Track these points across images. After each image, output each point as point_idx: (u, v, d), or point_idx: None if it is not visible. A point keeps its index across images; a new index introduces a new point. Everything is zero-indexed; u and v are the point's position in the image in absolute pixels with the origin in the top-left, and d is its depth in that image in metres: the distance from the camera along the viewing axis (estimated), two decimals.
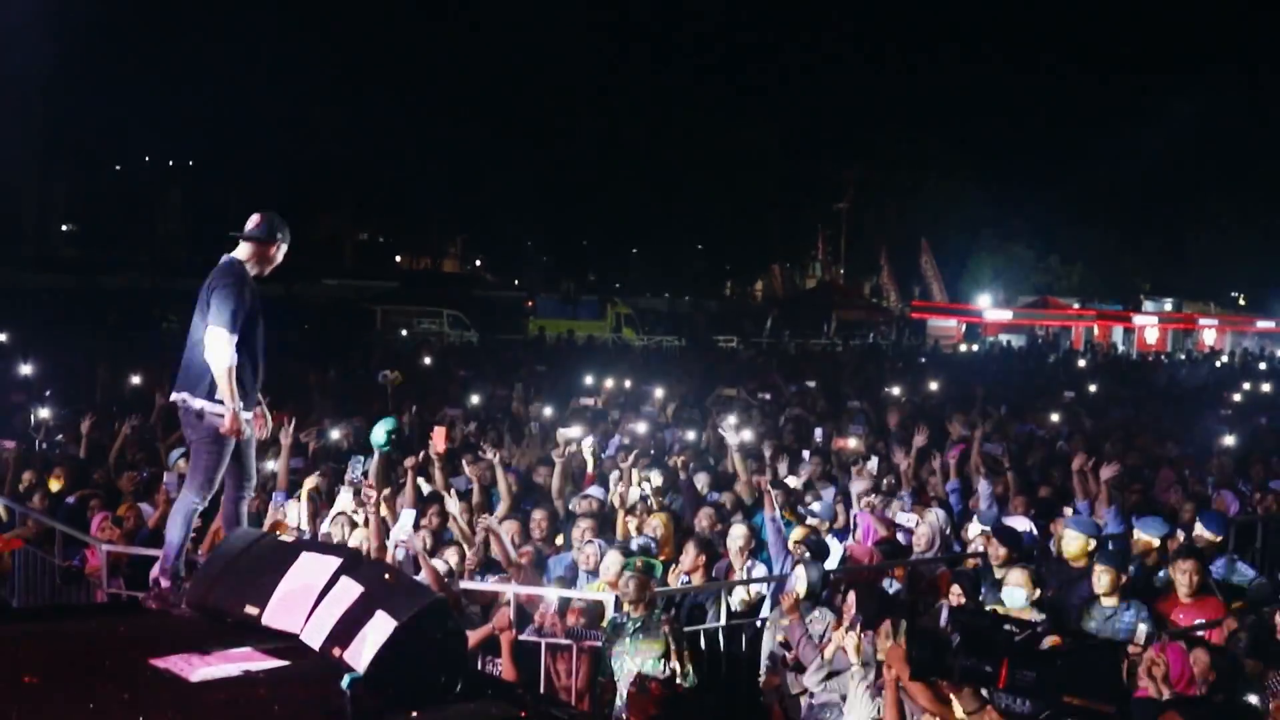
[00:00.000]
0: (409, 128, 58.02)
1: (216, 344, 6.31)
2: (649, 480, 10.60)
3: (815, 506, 10.51)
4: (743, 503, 10.52)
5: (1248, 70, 66.31)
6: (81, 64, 48.71)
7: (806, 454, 12.79)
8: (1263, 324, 60.29)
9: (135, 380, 17.53)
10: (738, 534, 8.84)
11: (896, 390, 20.92)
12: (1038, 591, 7.44)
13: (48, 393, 15.97)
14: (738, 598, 8.52)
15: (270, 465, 10.20)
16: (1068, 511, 9.85)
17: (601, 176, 61.27)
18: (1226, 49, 72.60)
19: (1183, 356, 46.22)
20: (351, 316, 43.75)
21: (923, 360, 36.51)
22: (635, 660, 6.96)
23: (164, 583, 6.23)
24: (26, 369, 17.94)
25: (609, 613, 7.41)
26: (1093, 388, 24.78)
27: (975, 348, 48.32)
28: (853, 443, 13.24)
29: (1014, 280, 66.78)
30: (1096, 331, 56.18)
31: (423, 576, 7.61)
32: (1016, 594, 7.36)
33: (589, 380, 19.95)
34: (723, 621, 8.17)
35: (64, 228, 69.78)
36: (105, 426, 13.11)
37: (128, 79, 51.06)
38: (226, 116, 52.89)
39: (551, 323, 46.72)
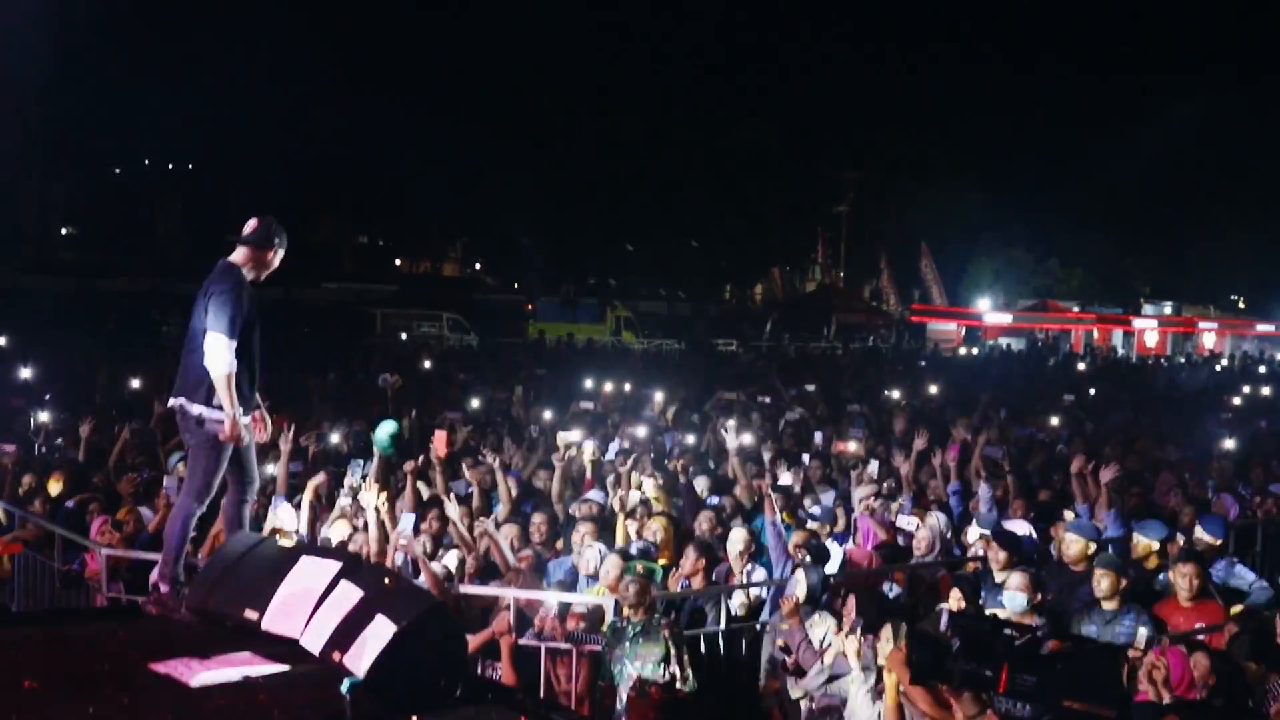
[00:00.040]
0: (408, 131, 57.98)
1: (215, 350, 6.29)
2: (655, 478, 10.62)
3: (816, 510, 10.50)
4: (742, 506, 10.51)
5: (1247, 74, 66.36)
6: (81, 66, 48.68)
7: (806, 457, 12.79)
8: (1262, 327, 60.31)
9: (135, 384, 17.52)
10: (737, 538, 8.83)
11: (896, 394, 20.90)
12: (1038, 595, 7.43)
13: (47, 396, 15.97)
14: (737, 602, 8.50)
15: (270, 469, 10.19)
16: (1068, 515, 9.84)
17: (601, 178, 61.22)
18: (1226, 53, 72.71)
19: (1182, 360, 46.22)
20: (351, 320, 43.76)
21: (922, 364, 36.49)
22: (635, 664, 6.95)
23: (163, 588, 6.21)
24: (26, 372, 17.94)
25: (609, 617, 7.41)
26: (1092, 391, 24.77)
27: (975, 351, 48.31)
28: (853, 446, 13.22)
29: (1014, 284, 66.83)
30: (1096, 335, 56.18)
31: (422, 580, 7.61)
32: (1017, 598, 7.35)
33: (589, 384, 19.95)
34: (723, 626, 8.16)
35: (64, 231, 69.79)
36: (104, 430, 13.10)
37: (127, 82, 51.05)
38: (226, 119, 52.94)
39: (551, 326, 46.74)
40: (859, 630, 6.76)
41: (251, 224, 6.65)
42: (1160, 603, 7.90)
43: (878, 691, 6.34)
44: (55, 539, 9.34)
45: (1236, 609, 7.77)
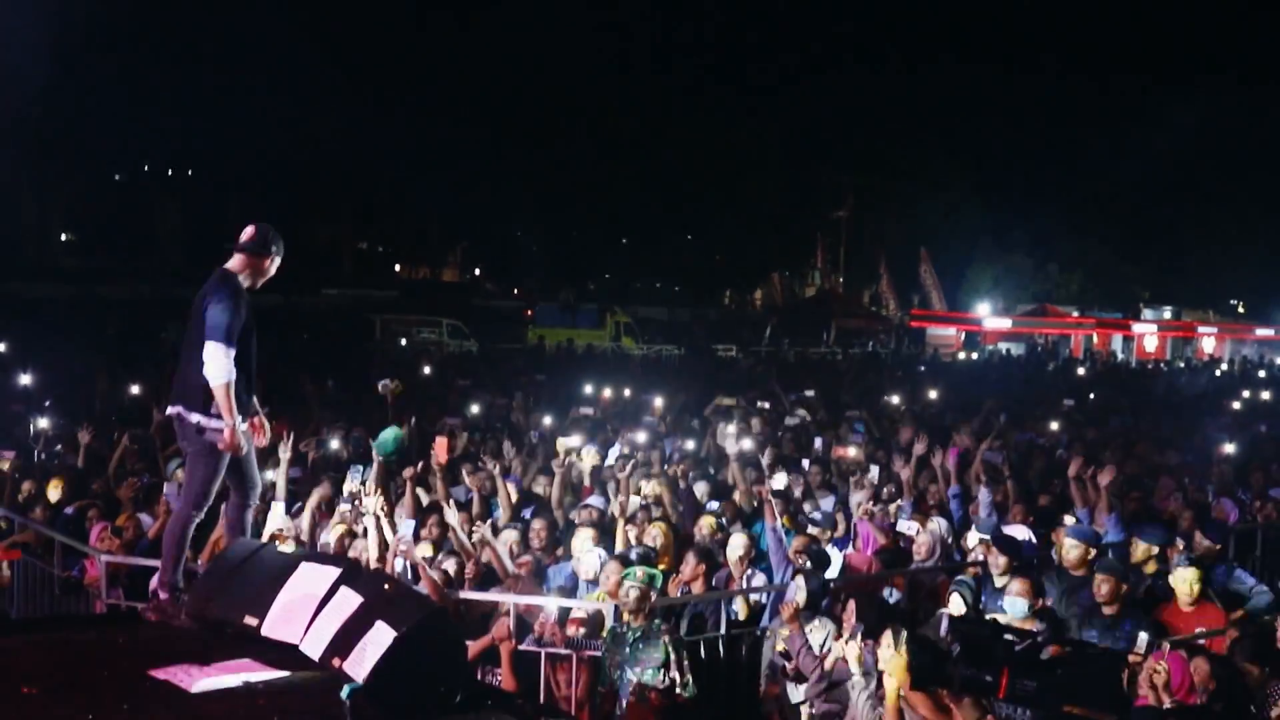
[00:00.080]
0: (408, 135, 58.01)
1: (214, 359, 6.27)
2: (662, 479, 10.62)
3: (817, 515, 10.51)
4: (742, 512, 10.51)
5: (1246, 79, 66.50)
6: (81, 72, 48.71)
7: (806, 463, 12.79)
8: (1262, 332, 60.32)
9: (134, 390, 17.52)
10: (737, 543, 8.84)
11: (896, 399, 20.90)
12: (1040, 601, 7.44)
13: (47, 403, 15.96)
14: (738, 606, 8.51)
15: (270, 475, 10.19)
16: (1069, 520, 9.84)
17: (600, 182, 61.26)
18: (1225, 58, 72.83)
19: (1182, 364, 46.21)
20: (351, 326, 43.72)
21: (922, 369, 36.49)
22: (635, 670, 6.94)
23: (162, 594, 6.20)
24: (26, 379, 17.93)
25: (609, 622, 7.40)
26: (1092, 396, 24.77)
27: (975, 356, 48.31)
28: (852, 451, 13.23)
29: (1013, 289, 66.81)
30: (1096, 340, 56.20)
31: (422, 586, 7.61)
32: (1018, 603, 7.35)
33: (588, 389, 19.95)
34: (723, 631, 8.16)
35: (63, 237, 69.76)
36: (104, 437, 13.10)
37: (127, 87, 51.07)
38: (225, 125, 52.90)
39: (551, 332, 46.75)
40: (859, 635, 6.76)
41: (248, 231, 6.63)
42: (1161, 607, 7.90)
43: (878, 697, 6.33)
44: (55, 545, 9.34)
45: (1237, 614, 7.77)
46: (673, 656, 6.97)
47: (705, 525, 9.82)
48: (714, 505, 10.65)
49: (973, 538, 9.63)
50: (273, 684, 4.00)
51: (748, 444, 12.41)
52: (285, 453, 10.07)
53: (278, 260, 6.71)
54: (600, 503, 10.51)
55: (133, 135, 55.48)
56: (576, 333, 46.37)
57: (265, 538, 8.88)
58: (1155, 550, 8.79)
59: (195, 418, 6.39)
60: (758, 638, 8.18)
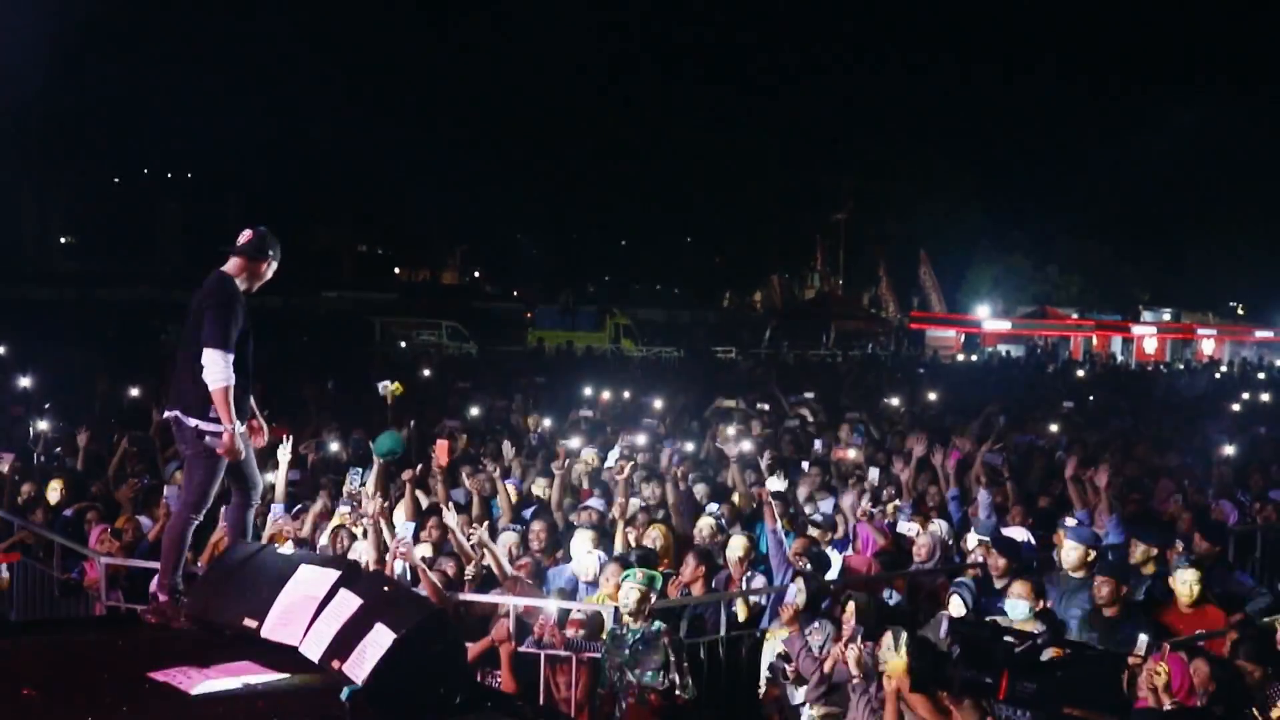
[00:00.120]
0: (408, 138, 58.08)
1: (213, 365, 6.24)
2: (673, 482, 10.63)
3: (818, 517, 10.51)
4: (741, 514, 10.51)
5: (1246, 82, 66.58)
6: (80, 76, 48.75)
7: (806, 465, 12.78)
8: (1261, 334, 60.30)
9: (134, 392, 17.51)
10: (737, 545, 8.83)
11: (895, 401, 20.90)
12: (1041, 603, 7.43)
13: (46, 405, 15.96)
14: (737, 608, 8.51)
15: (269, 478, 10.20)
16: (1070, 522, 9.83)
17: (600, 185, 61.31)
18: (1225, 61, 72.85)
19: (1181, 366, 46.21)
20: (351, 328, 43.75)
21: (921, 371, 36.49)
22: (635, 672, 6.94)
23: (162, 597, 6.20)
24: (25, 381, 17.94)
25: (609, 624, 7.40)
26: (1091, 398, 24.76)
27: (974, 358, 48.30)
28: (852, 453, 13.22)
29: (1012, 290, 66.82)
30: (1095, 342, 56.21)
31: (422, 588, 7.61)
32: (1019, 606, 7.34)
33: (588, 391, 19.94)
34: (722, 633, 8.15)
35: (63, 240, 69.82)
36: (103, 439, 13.10)
37: (126, 91, 51.13)
38: (225, 129, 52.96)
39: (550, 334, 46.80)
40: (859, 638, 6.76)
41: (246, 235, 6.60)
42: (1161, 609, 7.89)
43: (878, 699, 6.33)
44: (54, 547, 9.33)
45: (1237, 618, 7.76)
46: (672, 658, 6.97)
47: (705, 527, 9.82)
48: (713, 507, 10.65)
49: (972, 540, 9.62)
50: (272, 686, 3.99)
51: (747, 446, 12.41)
52: (284, 455, 10.08)
53: (275, 264, 6.68)
54: (600, 505, 10.51)
55: (132, 138, 55.68)
56: (576, 335, 46.40)
57: (265, 539, 8.90)
58: (1154, 552, 8.79)
59: (194, 422, 6.37)
60: (757, 640, 8.18)
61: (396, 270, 79.68)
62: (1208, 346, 58.08)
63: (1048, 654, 3.90)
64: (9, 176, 49.77)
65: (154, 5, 56.33)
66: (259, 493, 6.93)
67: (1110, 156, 60.53)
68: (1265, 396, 25.70)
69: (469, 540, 8.47)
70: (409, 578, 8.04)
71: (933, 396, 22.34)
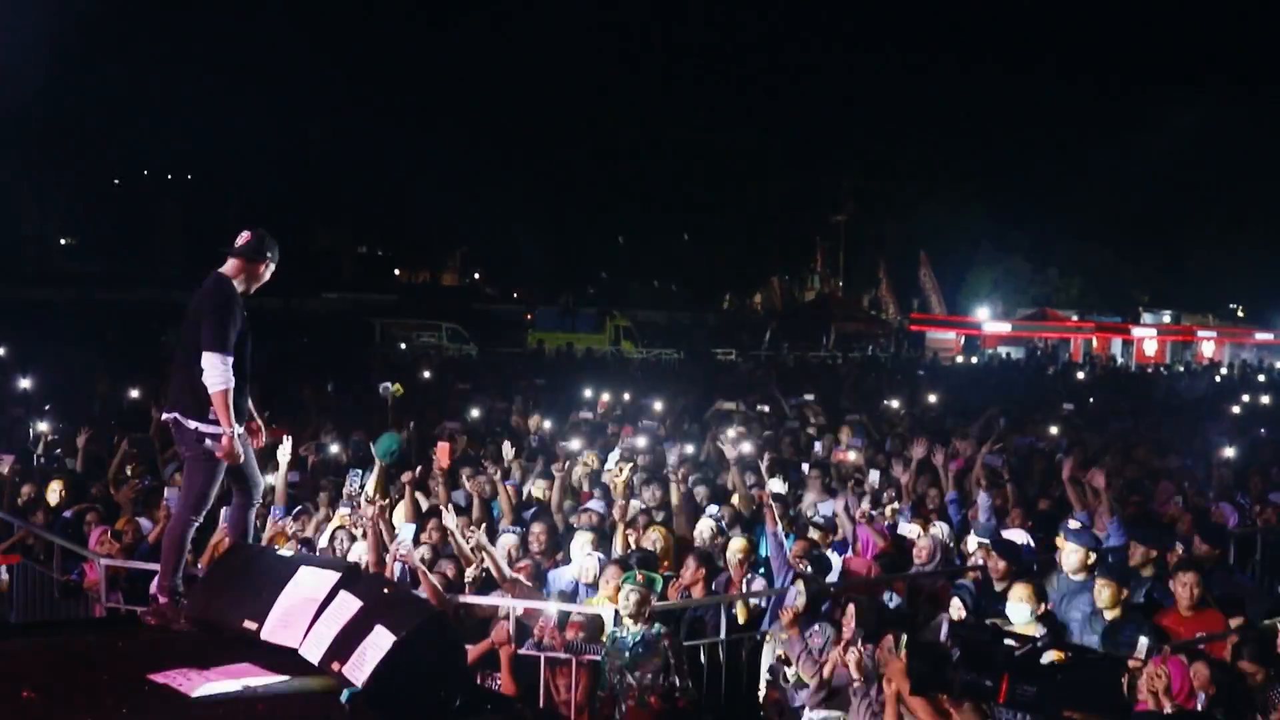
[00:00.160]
0: (408, 140, 58.07)
1: (212, 368, 6.22)
2: (679, 484, 10.63)
3: (819, 519, 10.51)
4: (741, 516, 10.51)
5: (1246, 83, 66.57)
6: (80, 77, 48.77)
7: (805, 467, 12.78)
8: (1261, 336, 60.26)
9: (133, 394, 17.52)
10: (736, 547, 8.83)
11: (895, 403, 20.89)
12: (1042, 606, 7.41)
13: (46, 407, 15.96)
14: (737, 611, 8.50)
15: (269, 480, 10.20)
16: (1073, 524, 9.82)
17: (600, 186, 61.34)
18: (1225, 62, 72.87)
19: (1181, 369, 46.19)
20: (350, 330, 43.74)
21: (921, 373, 36.48)
22: (635, 674, 6.94)
23: (162, 598, 6.19)
24: (25, 383, 17.94)
25: (608, 627, 7.40)
26: (1092, 400, 24.75)
27: (974, 360, 48.29)
28: (852, 455, 13.22)
29: (1012, 292, 66.84)
30: (1095, 344, 56.18)
31: (422, 591, 7.60)
32: (1021, 608, 7.33)
33: (588, 393, 19.94)
34: (722, 635, 8.15)
35: (63, 241, 69.82)
36: (103, 440, 13.10)
37: (126, 92, 51.14)
38: (225, 130, 52.99)
39: (550, 335, 46.78)
40: (859, 641, 6.75)
41: (244, 236, 6.57)
42: (1161, 612, 7.89)
43: (878, 702, 6.33)
44: (54, 549, 9.33)
45: (1237, 620, 7.75)
46: (672, 661, 6.97)
47: (705, 529, 9.82)
48: (713, 509, 10.65)
49: (972, 542, 9.62)
50: (272, 688, 3.99)
51: (747, 448, 12.40)
52: (284, 456, 10.08)
53: (273, 266, 6.66)
54: (600, 507, 10.50)
55: (132, 140, 55.65)
56: (576, 337, 46.37)
57: (265, 541, 8.90)
58: (1154, 554, 8.78)
59: (193, 424, 6.35)
60: (757, 642, 8.18)
61: (396, 272, 79.69)
62: (1208, 349, 58.06)
63: (1048, 657, 3.90)
64: (9, 177, 49.79)
65: (154, 6, 56.40)
66: (260, 492, 6.91)
67: (1110, 158, 60.55)
68: (1265, 399, 25.71)
69: (467, 543, 8.47)
70: (409, 580, 8.04)
71: (933, 398, 22.34)
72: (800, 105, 69.41)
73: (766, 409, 18.76)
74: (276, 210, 55.00)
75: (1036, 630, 7.06)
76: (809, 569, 8.29)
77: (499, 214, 61.07)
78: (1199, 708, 6.05)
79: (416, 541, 8.60)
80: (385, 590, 4.67)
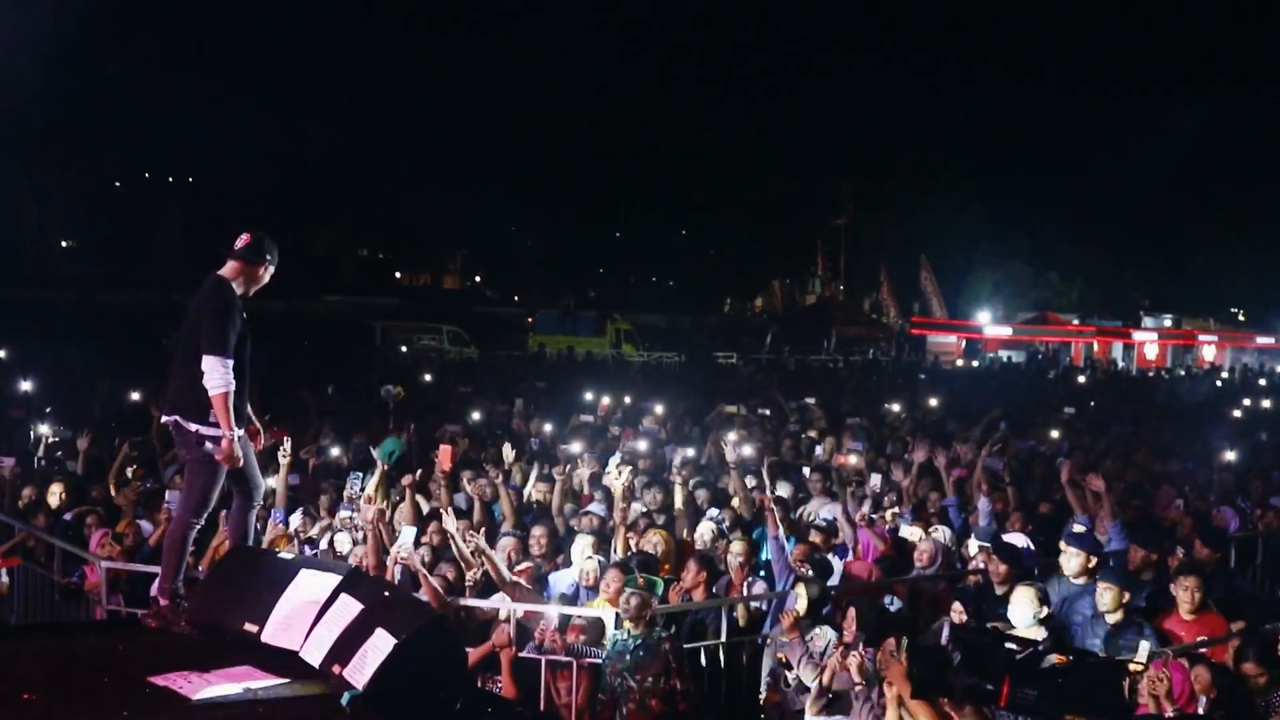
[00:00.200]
0: (408, 142, 58.12)
1: (213, 371, 6.21)
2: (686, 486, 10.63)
3: (822, 519, 10.51)
4: (742, 519, 10.51)
5: (1247, 87, 66.54)
6: (81, 79, 48.80)
7: (807, 470, 12.78)
8: (1262, 340, 60.21)
9: (135, 396, 17.51)
10: (738, 550, 8.84)
11: (896, 407, 20.89)
12: (1044, 609, 7.41)
13: (47, 409, 15.96)
14: (738, 614, 8.50)
15: (270, 482, 10.20)
16: (1078, 528, 9.82)
17: (600, 189, 61.35)
18: (1226, 65, 72.88)
19: (1182, 372, 46.19)
20: (351, 333, 43.69)
21: (922, 376, 36.48)
22: (635, 678, 6.93)
23: (163, 601, 6.18)
24: (26, 385, 17.93)
25: (609, 630, 7.40)
26: (1093, 404, 24.74)
27: (975, 364, 48.29)
28: (853, 459, 13.22)
29: (1013, 296, 66.81)
30: (1096, 347, 56.15)
31: (423, 593, 7.60)
32: (1023, 612, 7.33)
33: (589, 396, 19.93)
34: (723, 638, 8.15)
35: (63, 244, 69.84)
36: (104, 443, 13.10)
37: (127, 94, 51.16)
38: (225, 133, 52.98)
39: (551, 339, 46.70)
40: (860, 644, 6.75)
41: (244, 239, 6.56)
42: (1162, 616, 7.89)
43: (880, 705, 6.33)
44: (55, 551, 9.33)
45: (1238, 624, 7.75)
46: (673, 664, 6.97)
47: (705, 532, 9.82)
48: (714, 512, 10.65)
49: (973, 546, 9.62)
50: (273, 691, 3.99)
51: (748, 451, 12.40)
52: (284, 459, 10.09)
53: (272, 268, 6.65)
54: (601, 510, 10.50)
55: (133, 142, 55.64)
56: (577, 340, 46.29)
57: (265, 544, 8.90)
58: (1153, 557, 8.78)
59: (194, 426, 6.34)
60: (758, 645, 8.18)
61: (397, 274, 79.67)
62: (1209, 352, 58.05)
63: (1049, 661, 3.89)
64: (10, 179, 49.77)
65: (155, 8, 56.41)
66: (261, 493, 6.90)
67: (1111, 161, 60.48)
68: (1266, 403, 25.70)
69: (467, 546, 8.47)
70: (410, 582, 8.04)
71: (934, 402, 22.34)
72: (800, 108, 69.47)
73: (768, 412, 18.75)
74: (277, 212, 55.02)
75: (1038, 634, 7.05)
76: (810, 572, 8.29)
77: (500, 216, 61.08)
78: (1200, 711, 6.05)
79: (417, 544, 8.60)
80: (386, 593, 4.67)
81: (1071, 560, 8.33)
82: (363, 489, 10.04)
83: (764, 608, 8.54)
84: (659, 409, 17.65)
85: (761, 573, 9.05)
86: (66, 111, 50.93)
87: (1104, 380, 38.09)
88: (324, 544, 9.08)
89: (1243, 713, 6.16)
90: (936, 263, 63.90)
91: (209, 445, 6.31)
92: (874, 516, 10.41)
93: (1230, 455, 14.67)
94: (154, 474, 11.99)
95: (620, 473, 10.21)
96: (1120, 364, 52.37)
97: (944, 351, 54.85)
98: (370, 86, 60.13)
